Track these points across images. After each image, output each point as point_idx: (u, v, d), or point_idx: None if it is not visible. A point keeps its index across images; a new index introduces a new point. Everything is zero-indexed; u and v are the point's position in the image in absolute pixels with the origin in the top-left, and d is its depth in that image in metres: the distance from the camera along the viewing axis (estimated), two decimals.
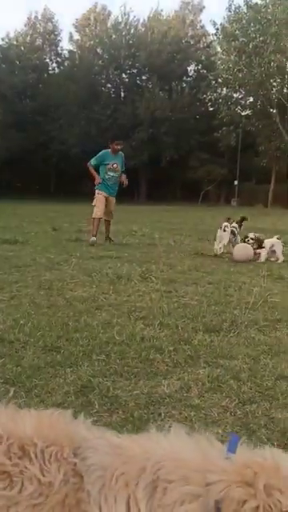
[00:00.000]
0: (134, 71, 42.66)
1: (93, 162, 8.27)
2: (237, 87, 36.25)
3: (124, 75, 43.18)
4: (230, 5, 36.00)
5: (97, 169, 8.28)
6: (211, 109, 41.37)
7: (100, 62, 42.26)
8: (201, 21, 45.81)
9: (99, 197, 8.32)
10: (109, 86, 43.94)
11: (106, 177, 8.28)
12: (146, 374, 2.39)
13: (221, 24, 36.50)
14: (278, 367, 2.52)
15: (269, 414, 2.00)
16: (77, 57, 43.28)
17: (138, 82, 42.83)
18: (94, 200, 8.36)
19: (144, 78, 42.76)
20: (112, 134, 39.90)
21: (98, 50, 42.86)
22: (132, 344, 2.81)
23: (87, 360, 2.54)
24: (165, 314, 3.51)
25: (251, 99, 38.27)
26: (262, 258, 6.89)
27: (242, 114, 39.87)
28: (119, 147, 8.34)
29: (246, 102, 39.75)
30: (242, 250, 6.99)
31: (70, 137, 39.05)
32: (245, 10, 34.96)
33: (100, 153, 8.28)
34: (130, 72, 42.80)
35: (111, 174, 8.26)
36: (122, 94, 43.10)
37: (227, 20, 35.99)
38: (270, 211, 29.94)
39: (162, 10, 49.13)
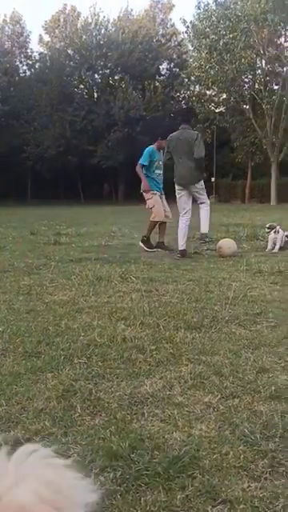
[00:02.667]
0: (107, 71, 42.58)
1: (144, 161, 7.47)
2: (209, 84, 36.51)
3: (96, 76, 43.08)
4: (199, 2, 36.26)
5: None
6: (185, 106, 41.56)
7: (71, 63, 42.10)
8: (171, 19, 46.07)
9: (155, 197, 7.50)
10: (81, 86, 43.80)
11: (154, 175, 7.60)
12: (128, 375, 2.38)
13: (191, 22, 36.69)
14: (259, 360, 2.54)
15: (251, 407, 2.01)
16: (47, 59, 42.99)
17: (110, 82, 42.79)
18: (150, 201, 7.53)
19: (116, 77, 42.74)
20: (87, 134, 39.77)
21: (69, 51, 42.69)
22: (113, 345, 2.80)
23: (68, 364, 2.52)
24: (146, 313, 3.51)
25: (224, 96, 38.55)
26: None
27: (216, 110, 40.16)
28: (164, 144, 7.54)
29: (219, 98, 40.04)
30: (230, 245, 7.07)
31: (45, 139, 38.82)
32: (214, 8, 35.20)
33: (147, 151, 7.52)
34: (102, 72, 42.71)
35: (158, 171, 7.63)
36: (96, 95, 43.00)
37: (197, 18, 36.18)
38: (247, 206, 30.24)
39: (131, 10, 49.21)
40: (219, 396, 2.12)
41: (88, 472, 1.56)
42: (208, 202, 7.13)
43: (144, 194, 7.69)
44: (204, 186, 7.21)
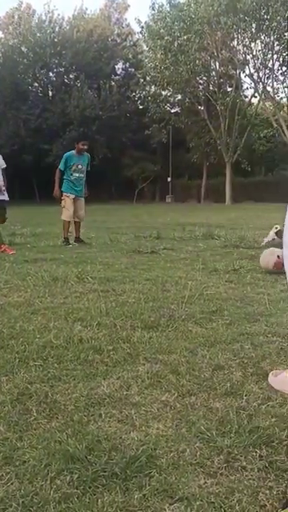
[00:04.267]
0: (61, 70, 42.11)
1: (61, 166, 8.11)
2: (165, 85, 36.81)
3: (51, 74, 42.52)
4: (154, 3, 36.49)
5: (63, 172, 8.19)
6: (141, 107, 41.80)
7: (25, 60, 41.31)
8: (126, 19, 46.21)
9: (67, 199, 8.19)
10: (36, 85, 43.09)
11: (72, 178, 8.16)
12: (85, 376, 2.36)
13: (145, 22, 36.87)
14: (214, 358, 2.58)
15: (207, 404, 2.04)
16: (0, 55, 41.99)
17: (65, 80, 42.35)
18: (62, 202, 8.23)
19: (72, 76, 42.35)
20: (42, 133, 39.19)
21: (23, 49, 41.88)
22: (70, 347, 2.77)
23: (24, 367, 2.47)
24: (103, 313, 3.49)
25: (179, 97, 38.99)
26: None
27: (172, 111, 40.55)
28: (85, 147, 8.24)
29: (174, 99, 40.46)
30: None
31: None
32: (168, 9, 35.51)
33: (64, 156, 8.17)
34: (57, 71, 42.20)
35: (76, 174, 8.15)
36: (50, 93, 42.43)
37: (152, 18, 36.40)
38: (203, 206, 30.70)
39: (86, 9, 48.89)
40: (176, 394, 2.14)
41: (44, 476, 1.54)
42: None
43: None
44: None
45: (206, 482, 1.50)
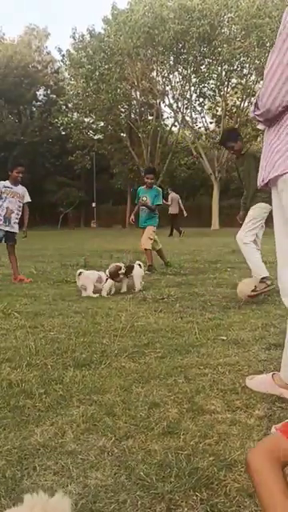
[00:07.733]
0: None
1: (137, 201, 8.72)
2: (87, 112, 37.20)
3: None
4: (74, 33, 37.02)
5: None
6: (64, 133, 41.82)
7: None
8: (47, 47, 46.33)
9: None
10: None
11: (139, 211, 8.73)
12: (16, 424, 2.24)
13: (67, 51, 37.26)
14: (149, 395, 2.56)
15: (145, 446, 2.01)
16: None
17: None
18: (153, 234, 8.66)
19: None
20: None
21: None
22: None
23: None
24: (32, 352, 3.36)
25: (102, 124, 39.54)
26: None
27: (95, 137, 40.98)
28: (150, 181, 8.55)
29: (97, 126, 40.94)
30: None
31: None
32: (88, 39, 36.18)
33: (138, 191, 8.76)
34: None
35: (141, 207, 8.67)
36: None
37: (73, 47, 36.88)
38: (128, 231, 31.00)
39: (4, 34, 48.42)
40: (113, 438, 2.09)
41: None
42: None
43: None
44: None
45: None
